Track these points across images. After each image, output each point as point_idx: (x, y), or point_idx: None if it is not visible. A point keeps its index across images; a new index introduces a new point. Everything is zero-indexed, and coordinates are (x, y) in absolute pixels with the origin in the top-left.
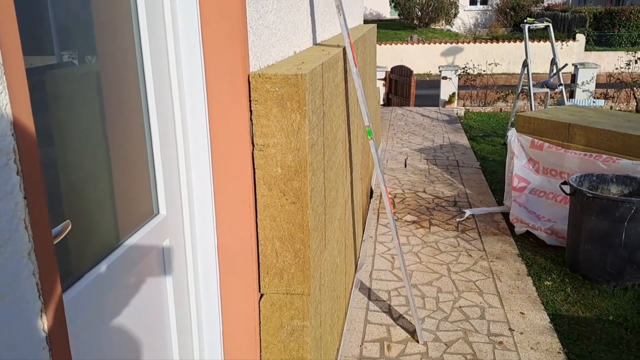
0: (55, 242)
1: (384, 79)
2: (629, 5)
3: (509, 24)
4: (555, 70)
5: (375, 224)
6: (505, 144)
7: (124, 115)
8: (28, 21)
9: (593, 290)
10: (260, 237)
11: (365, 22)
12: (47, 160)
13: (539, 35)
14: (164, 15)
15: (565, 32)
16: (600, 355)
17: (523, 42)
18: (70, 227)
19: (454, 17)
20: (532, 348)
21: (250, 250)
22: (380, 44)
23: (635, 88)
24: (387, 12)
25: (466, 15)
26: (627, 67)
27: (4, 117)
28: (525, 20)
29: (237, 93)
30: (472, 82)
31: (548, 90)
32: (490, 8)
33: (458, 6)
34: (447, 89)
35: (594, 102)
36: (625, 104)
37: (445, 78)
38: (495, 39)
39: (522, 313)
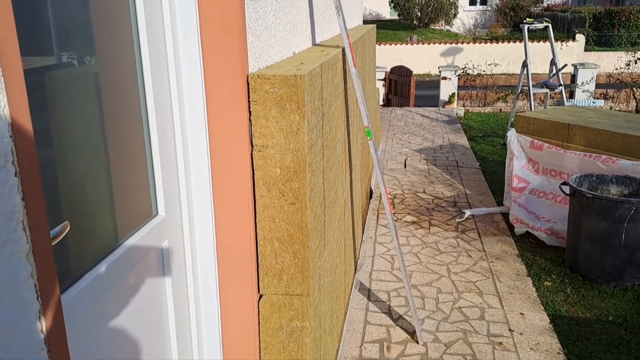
0: (53, 244)
1: (384, 80)
2: (628, 5)
3: (508, 24)
4: (554, 71)
5: (375, 224)
6: (505, 145)
7: (123, 116)
8: (27, 22)
9: (593, 291)
10: (260, 238)
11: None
12: (47, 161)
13: (539, 35)
14: (162, 16)
15: (565, 32)
16: (600, 356)
17: (523, 43)
18: (68, 228)
19: (454, 18)
20: (531, 349)
21: (249, 251)
22: (379, 45)
23: (635, 88)
24: (387, 13)
25: (466, 16)
26: (626, 67)
27: (2, 118)
28: (524, 21)
29: (236, 94)
30: (471, 83)
31: (548, 90)
32: (489, 8)
33: (458, 6)
34: (447, 89)
35: (593, 102)
36: (625, 104)
37: (444, 78)
38: (494, 39)
39: (522, 314)
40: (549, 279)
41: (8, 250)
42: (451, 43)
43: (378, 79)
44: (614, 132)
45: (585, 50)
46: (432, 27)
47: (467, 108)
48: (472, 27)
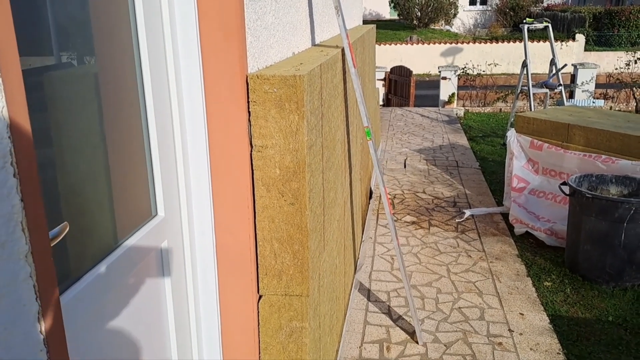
0: (52, 244)
1: (384, 80)
2: (628, 5)
3: (508, 24)
4: (554, 71)
5: (375, 224)
6: (504, 145)
7: (122, 116)
8: (27, 22)
9: (592, 291)
10: (259, 238)
11: (365, 22)
12: (46, 161)
13: (539, 35)
14: (161, 17)
15: (565, 32)
16: (599, 356)
17: (522, 43)
18: (67, 229)
19: (454, 18)
20: (531, 349)
21: (248, 252)
22: (379, 44)
23: (634, 88)
24: (387, 13)
25: (466, 16)
26: (626, 67)
27: (0, 119)
28: (524, 21)
29: (235, 94)
30: (471, 83)
31: (547, 90)
32: (489, 8)
33: (457, 6)
34: (447, 89)
35: (593, 102)
36: (624, 104)
37: (444, 78)
38: (494, 39)
39: (522, 314)
40: (548, 279)
41: (7, 251)
42: (451, 43)
43: (378, 79)
44: (614, 132)
45: (585, 50)
46: (432, 27)
47: (467, 108)
48: (472, 27)
